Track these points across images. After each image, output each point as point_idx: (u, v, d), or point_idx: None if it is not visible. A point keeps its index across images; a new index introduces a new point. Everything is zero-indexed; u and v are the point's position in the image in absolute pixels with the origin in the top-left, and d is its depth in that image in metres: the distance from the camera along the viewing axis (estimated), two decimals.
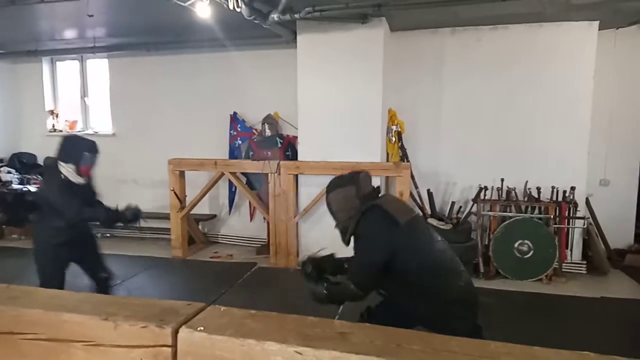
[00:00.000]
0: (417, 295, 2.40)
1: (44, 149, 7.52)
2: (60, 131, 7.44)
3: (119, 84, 7.06)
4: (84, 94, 7.44)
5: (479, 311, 2.50)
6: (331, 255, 2.79)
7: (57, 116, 7.57)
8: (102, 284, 3.72)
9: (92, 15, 4.93)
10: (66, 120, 7.54)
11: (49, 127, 7.48)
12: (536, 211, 5.22)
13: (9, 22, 5.72)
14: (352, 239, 2.58)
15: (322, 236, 5.45)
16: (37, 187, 3.75)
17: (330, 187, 2.63)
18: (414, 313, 2.43)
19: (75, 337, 0.86)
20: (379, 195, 2.66)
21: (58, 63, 7.54)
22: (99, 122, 7.39)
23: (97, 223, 3.63)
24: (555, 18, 5.13)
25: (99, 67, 7.29)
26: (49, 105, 7.51)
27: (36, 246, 3.59)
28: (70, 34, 6.49)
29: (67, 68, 7.53)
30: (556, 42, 5.31)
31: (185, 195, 6.07)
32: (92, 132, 7.29)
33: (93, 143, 3.47)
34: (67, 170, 3.33)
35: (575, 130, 5.32)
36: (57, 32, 6.40)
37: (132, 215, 3.59)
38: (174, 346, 0.82)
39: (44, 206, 3.44)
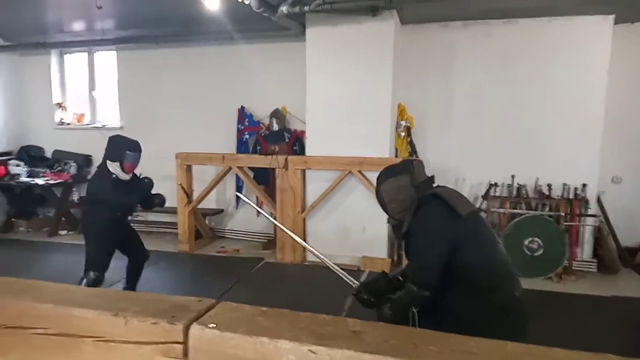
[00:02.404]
0: (470, 297, 2.16)
1: (52, 142, 7.59)
2: (68, 124, 7.47)
3: (126, 76, 7.06)
4: (92, 86, 7.45)
5: (527, 328, 2.23)
6: (383, 274, 2.57)
7: (65, 109, 7.59)
8: (140, 264, 4.25)
9: (100, 7, 4.93)
10: (74, 113, 7.56)
11: (57, 120, 7.50)
12: (547, 208, 5.17)
13: (18, 13, 5.73)
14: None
15: (329, 232, 5.49)
16: (88, 183, 4.25)
17: (381, 178, 2.39)
18: (461, 319, 2.10)
19: (85, 333, 0.85)
20: (434, 184, 2.42)
21: (66, 55, 7.55)
22: (107, 115, 7.40)
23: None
24: (569, 12, 5.05)
25: (107, 60, 7.29)
26: (57, 98, 7.53)
27: (87, 235, 3.97)
28: (78, 26, 6.50)
29: (76, 60, 7.54)
30: (569, 36, 5.23)
31: (193, 190, 6.08)
32: (100, 126, 7.30)
33: (135, 143, 3.89)
34: (114, 167, 3.77)
35: (588, 126, 5.24)
36: (65, 24, 6.41)
37: (159, 202, 4.20)
38: (185, 343, 0.80)
39: (94, 200, 3.87)
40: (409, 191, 2.30)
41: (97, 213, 3.82)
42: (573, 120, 5.28)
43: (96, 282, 3.76)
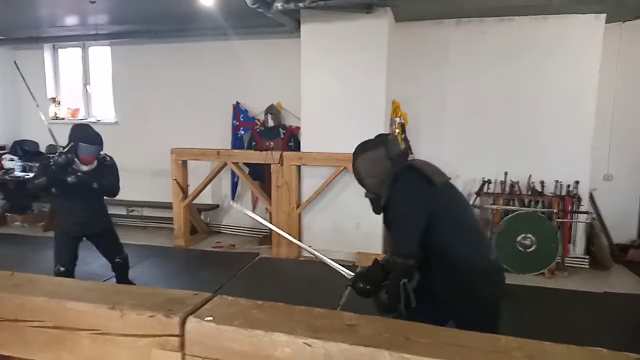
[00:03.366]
0: (449, 266, 2.23)
1: (46, 137, 7.50)
2: (63, 119, 7.42)
3: (121, 71, 7.03)
4: (86, 81, 7.41)
5: (504, 291, 2.36)
6: (376, 261, 2.56)
7: (59, 104, 7.54)
8: (119, 267, 4.06)
9: (94, 2, 4.90)
10: (68, 108, 7.51)
11: (51, 114, 7.45)
12: (539, 205, 5.21)
13: (11, 7, 5.68)
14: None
15: (324, 228, 5.50)
16: None
17: (357, 153, 2.41)
18: (447, 286, 2.26)
19: (81, 326, 0.85)
20: (406, 158, 2.46)
21: (60, 50, 7.49)
22: (102, 110, 7.36)
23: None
24: (562, 10, 5.08)
25: (101, 55, 7.24)
26: (50, 93, 7.48)
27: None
28: (72, 20, 6.45)
29: (69, 55, 7.49)
30: (562, 34, 5.26)
31: (188, 185, 6.07)
32: (95, 120, 7.26)
33: (92, 135, 3.66)
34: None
35: (580, 124, 5.28)
36: (58, 19, 6.36)
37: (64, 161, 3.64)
38: (181, 336, 0.81)
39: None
40: (385, 164, 2.33)
41: (54, 202, 3.77)
42: (565, 117, 5.32)
43: (65, 276, 3.61)
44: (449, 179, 2.44)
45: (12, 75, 7.35)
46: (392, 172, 2.31)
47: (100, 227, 3.93)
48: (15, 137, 7.40)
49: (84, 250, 4.00)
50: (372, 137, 2.47)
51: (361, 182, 2.43)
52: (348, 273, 2.52)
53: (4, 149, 7.27)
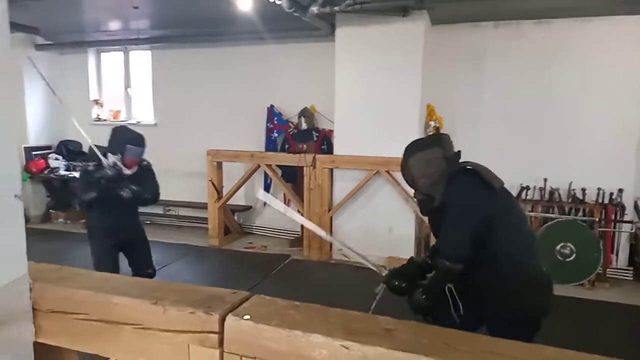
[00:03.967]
0: (503, 271, 2.14)
1: (89, 137, 7.83)
2: (105, 120, 7.70)
3: (160, 75, 7.23)
4: (127, 84, 7.66)
5: (550, 307, 2.24)
6: (411, 259, 2.52)
7: (101, 106, 7.83)
8: (140, 275, 3.73)
9: (137, 7, 5.06)
10: (110, 110, 7.79)
11: (94, 116, 7.75)
12: (580, 213, 5.02)
13: (58, 14, 5.95)
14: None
15: (356, 231, 5.48)
16: None
17: (410, 151, 2.31)
18: (496, 293, 2.17)
19: (124, 320, 0.88)
20: (460, 159, 2.35)
21: (103, 54, 7.79)
22: (141, 112, 7.60)
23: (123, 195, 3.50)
24: (603, 12, 4.91)
25: (141, 59, 7.48)
26: (94, 95, 7.78)
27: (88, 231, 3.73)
28: (114, 25, 6.70)
29: (112, 59, 7.77)
30: (603, 37, 5.07)
31: (222, 186, 6.17)
32: (135, 122, 7.50)
33: (139, 137, 3.51)
34: (114, 161, 3.43)
35: (624, 129, 5.07)
36: (102, 24, 6.61)
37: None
38: (220, 333, 0.82)
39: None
40: (441, 164, 2.24)
41: (91, 211, 3.54)
42: (609, 122, 5.12)
43: None
44: (504, 183, 2.34)
45: (58, 77, 7.71)
46: (447, 173, 2.23)
47: (136, 235, 3.75)
48: (61, 137, 7.73)
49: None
50: (425, 137, 2.39)
51: (411, 182, 2.34)
52: (382, 271, 2.46)
53: (50, 149, 7.60)
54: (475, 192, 2.17)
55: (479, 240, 2.12)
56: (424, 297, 2.24)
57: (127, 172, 3.47)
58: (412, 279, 2.34)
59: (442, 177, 2.23)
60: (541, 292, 2.19)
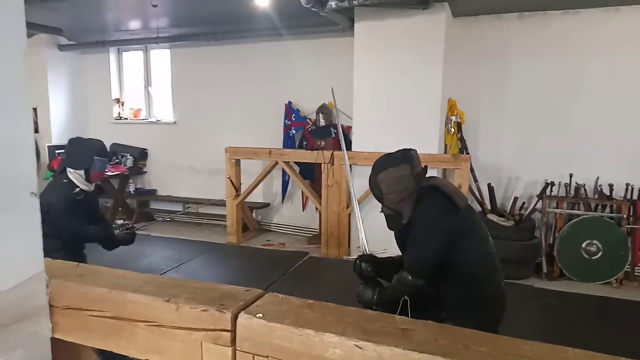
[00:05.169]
0: (462, 288, 2.23)
1: (110, 136, 7.96)
2: (126, 119, 7.83)
3: (180, 73, 7.31)
4: (147, 83, 7.77)
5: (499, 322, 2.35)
6: (393, 258, 2.57)
7: (122, 104, 7.96)
8: None
9: (155, 6, 5.12)
10: (131, 109, 7.91)
11: (115, 115, 7.88)
12: (607, 210, 4.87)
13: (81, 14, 6.06)
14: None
15: (374, 228, 5.42)
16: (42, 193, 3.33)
17: (380, 167, 2.36)
18: (454, 308, 2.26)
19: (138, 317, 0.88)
20: (426, 175, 2.42)
21: (124, 53, 7.91)
22: (161, 111, 7.70)
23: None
24: (633, 0, 4.72)
25: (161, 57, 7.58)
26: (115, 94, 7.91)
27: None
28: (135, 24, 6.80)
29: (132, 58, 7.89)
30: (634, 27, 4.89)
31: (241, 183, 6.21)
32: (155, 120, 7.61)
33: (103, 147, 3.26)
34: (76, 177, 3.07)
35: None
36: (122, 23, 6.71)
37: (125, 239, 3.31)
38: (233, 331, 0.81)
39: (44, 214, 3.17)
40: (409, 181, 2.29)
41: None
42: (637, 116, 4.94)
43: None
44: (468, 200, 2.45)
45: (80, 77, 7.87)
46: (415, 190, 2.29)
47: None
48: (82, 136, 7.84)
49: (142, 244, 4.13)
50: (395, 151, 2.43)
51: (379, 197, 2.40)
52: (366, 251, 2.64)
53: None
54: (442, 212, 2.24)
55: (443, 258, 2.21)
56: (375, 297, 2.34)
57: (89, 188, 3.13)
58: (381, 272, 2.44)
59: (410, 194, 2.30)
60: (499, 309, 2.30)
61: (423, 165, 2.41)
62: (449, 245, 2.20)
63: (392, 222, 2.42)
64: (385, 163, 2.37)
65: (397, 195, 2.31)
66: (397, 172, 2.31)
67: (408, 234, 2.32)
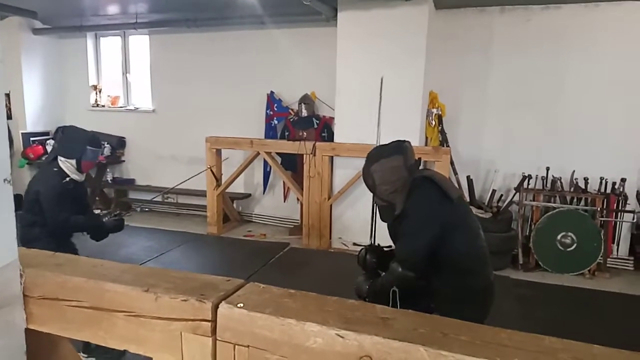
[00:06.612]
0: (452, 280, 2.23)
1: (88, 123, 7.75)
2: (103, 106, 7.66)
3: (159, 60, 7.16)
4: (125, 70, 7.60)
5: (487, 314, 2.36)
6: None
7: (100, 91, 7.77)
8: None
9: None
10: (108, 96, 7.74)
11: (92, 102, 7.70)
12: (582, 203, 5.00)
13: None
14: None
15: (356, 219, 5.47)
16: (32, 181, 3.21)
17: (373, 158, 2.34)
18: (443, 300, 2.26)
19: (116, 307, 0.86)
20: (419, 167, 2.43)
21: (101, 39, 7.71)
22: (140, 99, 7.54)
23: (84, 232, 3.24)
24: None
25: (140, 43, 7.41)
26: (92, 81, 7.71)
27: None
28: (113, 9, 6.61)
29: (110, 44, 7.69)
30: (613, 22, 4.99)
31: (222, 174, 6.15)
32: (133, 108, 7.46)
33: (96, 137, 3.23)
34: (67, 166, 3.03)
35: (629, 118, 5.03)
36: (101, 7, 6.52)
37: (115, 227, 3.29)
38: (213, 321, 0.81)
39: (32, 202, 2.99)
40: (402, 173, 2.28)
41: (27, 221, 2.95)
42: (614, 111, 5.07)
43: None
44: (462, 193, 2.44)
45: (56, 62, 7.65)
46: (408, 181, 2.28)
47: None
48: (59, 123, 7.68)
49: (121, 234, 4.04)
50: (389, 142, 2.42)
51: (372, 189, 2.38)
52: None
53: (48, 135, 7.56)
54: (434, 204, 2.24)
55: (434, 250, 2.21)
56: (367, 288, 2.37)
57: (79, 177, 3.10)
58: (385, 264, 2.41)
59: (403, 185, 2.28)
60: (488, 302, 2.31)
61: (416, 157, 2.40)
62: (441, 236, 2.20)
63: (385, 213, 2.41)
64: (378, 154, 2.36)
65: (390, 187, 2.29)
66: (390, 163, 2.29)
67: (400, 225, 2.31)
